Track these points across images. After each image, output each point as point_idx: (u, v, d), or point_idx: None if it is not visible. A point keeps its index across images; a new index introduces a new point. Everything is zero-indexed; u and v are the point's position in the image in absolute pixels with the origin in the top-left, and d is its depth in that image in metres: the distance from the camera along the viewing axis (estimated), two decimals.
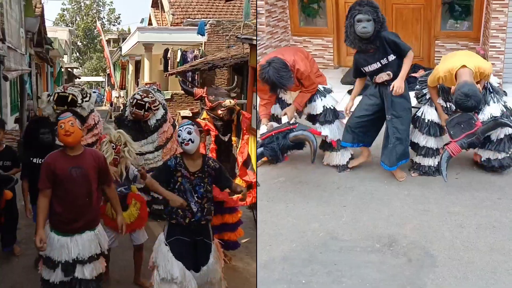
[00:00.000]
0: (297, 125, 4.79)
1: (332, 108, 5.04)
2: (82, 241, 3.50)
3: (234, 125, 5.23)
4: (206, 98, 5.02)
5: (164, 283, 3.53)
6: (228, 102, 4.92)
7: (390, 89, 4.63)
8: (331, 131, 5.03)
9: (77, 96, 6.04)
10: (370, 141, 5.05)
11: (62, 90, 6.08)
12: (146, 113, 5.90)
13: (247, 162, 5.17)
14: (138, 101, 5.87)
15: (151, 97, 5.96)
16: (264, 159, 5.04)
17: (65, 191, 3.43)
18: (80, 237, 3.50)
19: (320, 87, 5.06)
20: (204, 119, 5.06)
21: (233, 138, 5.30)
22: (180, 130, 3.60)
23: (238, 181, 4.88)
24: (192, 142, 3.54)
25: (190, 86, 8.22)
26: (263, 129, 4.89)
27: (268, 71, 4.53)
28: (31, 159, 4.56)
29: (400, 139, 4.71)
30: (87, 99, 6.18)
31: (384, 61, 4.63)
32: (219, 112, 4.89)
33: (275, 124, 4.89)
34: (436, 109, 4.89)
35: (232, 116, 4.98)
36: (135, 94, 6.12)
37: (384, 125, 4.90)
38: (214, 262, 3.66)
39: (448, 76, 4.59)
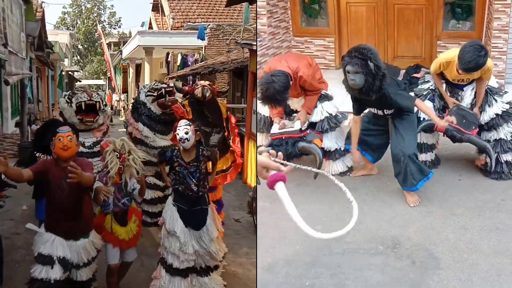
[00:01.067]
0: (308, 131, 4.77)
1: (332, 115, 4.98)
2: (77, 248, 3.69)
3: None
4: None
5: (170, 236, 4.16)
6: (202, 82, 5.08)
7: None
8: (330, 140, 4.96)
9: (101, 102, 6.09)
10: (374, 154, 4.92)
11: (89, 98, 5.94)
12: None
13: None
14: (169, 91, 5.92)
15: (172, 87, 6.05)
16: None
17: (56, 199, 3.60)
18: (75, 244, 3.70)
19: (322, 92, 5.02)
20: (183, 105, 5.19)
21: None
22: (179, 129, 4.15)
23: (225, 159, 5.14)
24: (188, 140, 4.13)
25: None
26: (275, 128, 4.86)
27: (268, 89, 4.44)
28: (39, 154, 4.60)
29: (411, 156, 4.42)
30: (104, 102, 6.26)
31: (379, 112, 4.50)
32: (195, 92, 4.97)
33: (287, 122, 4.84)
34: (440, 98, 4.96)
35: (207, 96, 5.00)
36: (157, 87, 5.96)
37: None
38: (210, 223, 4.25)
39: (451, 63, 4.61)
